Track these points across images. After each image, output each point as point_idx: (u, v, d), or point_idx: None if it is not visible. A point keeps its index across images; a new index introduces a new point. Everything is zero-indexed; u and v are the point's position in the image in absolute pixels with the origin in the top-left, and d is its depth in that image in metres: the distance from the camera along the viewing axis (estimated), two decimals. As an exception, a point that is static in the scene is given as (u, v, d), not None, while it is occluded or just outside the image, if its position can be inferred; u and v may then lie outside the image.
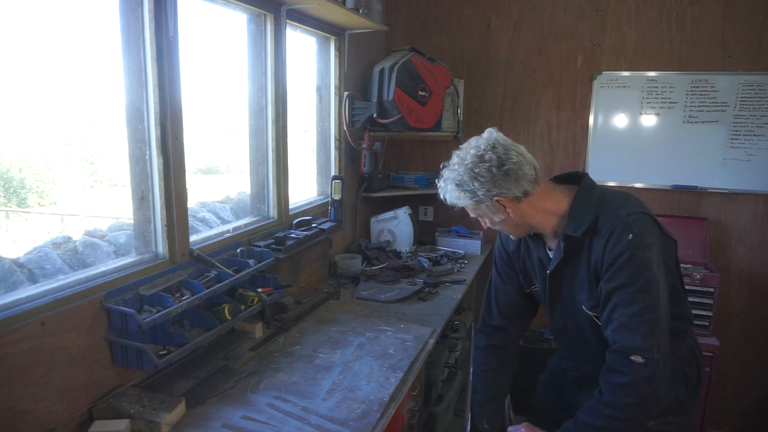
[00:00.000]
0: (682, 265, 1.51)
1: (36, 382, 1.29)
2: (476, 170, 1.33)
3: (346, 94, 2.79)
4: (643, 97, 2.97)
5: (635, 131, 3.01)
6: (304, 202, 2.71)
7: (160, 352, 1.51)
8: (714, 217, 2.95)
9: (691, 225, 2.96)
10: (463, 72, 3.27)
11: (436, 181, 1.45)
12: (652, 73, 2.94)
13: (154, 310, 1.51)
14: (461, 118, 3.20)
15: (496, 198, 1.35)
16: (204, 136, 2.97)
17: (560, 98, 3.12)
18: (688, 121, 2.91)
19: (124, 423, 1.35)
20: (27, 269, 1.49)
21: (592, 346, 1.49)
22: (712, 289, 2.70)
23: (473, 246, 3.13)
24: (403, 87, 2.75)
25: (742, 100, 2.80)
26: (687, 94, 2.89)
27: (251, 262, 1.93)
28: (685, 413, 1.51)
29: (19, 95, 1.98)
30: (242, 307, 1.78)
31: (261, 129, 2.29)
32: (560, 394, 1.72)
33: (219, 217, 2.27)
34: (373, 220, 3.16)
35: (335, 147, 2.88)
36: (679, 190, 2.98)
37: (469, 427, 1.72)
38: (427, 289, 2.47)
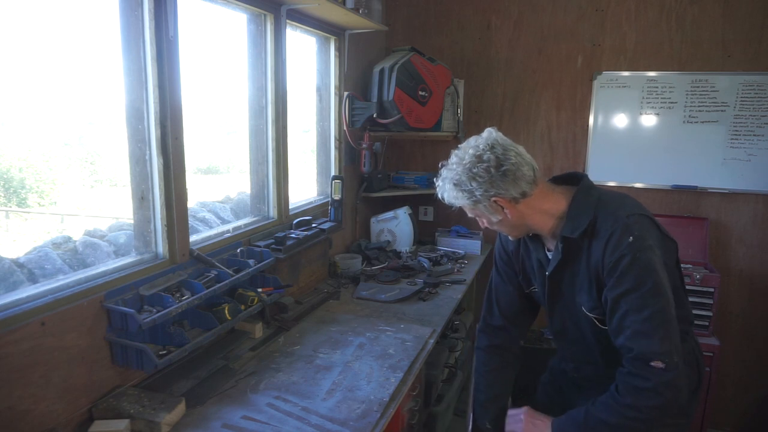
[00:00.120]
0: (682, 265, 1.51)
1: (36, 382, 1.29)
2: (474, 170, 1.33)
3: (346, 94, 2.79)
4: (643, 97, 2.97)
5: (635, 131, 3.01)
6: (304, 202, 2.71)
7: (160, 352, 1.51)
8: (714, 217, 2.95)
9: (691, 225, 2.95)
10: (463, 72, 3.27)
11: (435, 180, 1.45)
12: (652, 73, 2.94)
13: (154, 310, 1.51)
14: (461, 118, 3.20)
15: (493, 198, 1.35)
16: (204, 136, 2.97)
17: (560, 98, 3.12)
18: (688, 121, 2.91)
19: (124, 423, 1.35)
20: (27, 269, 1.49)
21: (591, 347, 1.49)
22: (712, 289, 2.70)
23: (473, 246, 3.13)
24: (403, 87, 2.75)
25: (742, 100, 2.80)
26: (687, 94, 2.89)
27: (251, 262, 1.93)
28: (685, 415, 1.50)
29: (19, 95, 1.98)
30: (242, 307, 1.78)
31: (261, 129, 2.29)
32: (560, 394, 1.72)
33: (219, 217, 2.27)
34: (373, 220, 3.16)
35: (335, 147, 2.88)
36: (679, 190, 2.98)
37: (471, 427, 1.72)
38: (427, 289, 2.47)
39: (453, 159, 1.39)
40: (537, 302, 1.64)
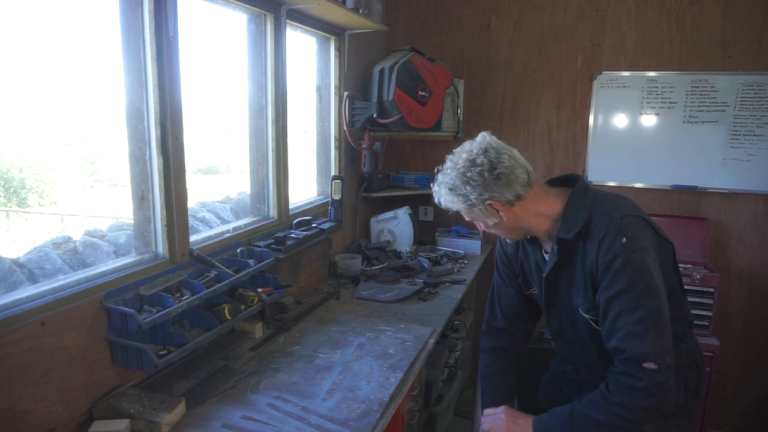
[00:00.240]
0: (681, 265, 1.51)
1: (36, 382, 1.29)
2: (468, 174, 1.34)
3: (346, 94, 2.79)
4: (643, 97, 2.97)
5: (635, 131, 3.00)
6: (304, 202, 2.71)
7: (160, 352, 1.51)
8: (714, 217, 2.95)
9: (691, 225, 2.96)
10: (463, 72, 3.27)
11: (431, 185, 1.46)
12: (652, 73, 2.94)
13: (154, 310, 1.51)
14: (461, 118, 3.20)
15: (488, 202, 1.35)
16: (204, 136, 2.97)
17: (560, 98, 3.12)
18: (688, 121, 2.91)
19: (124, 423, 1.35)
20: (27, 269, 1.49)
21: (589, 349, 1.49)
22: (712, 289, 2.70)
23: (473, 246, 3.13)
24: (403, 87, 2.75)
25: (742, 100, 2.80)
26: (687, 94, 2.89)
27: (251, 262, 1.93)
28: (684, 416, 1.50)
29: (20, 95, 1.98)
30: (242, 307, 1.78)
31: (261, 129, 2.29)
32: (561, 395, 1.72)
33: (219, 217, 2.27)
34: (373, 220, 3.16)
35: (335, 147, 2.88)
36: (679, 190, 2.98)
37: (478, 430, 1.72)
38: (427, 289, 2.47)
39: (447, 164, 1.41)
40: (537, 304, 1.65)
